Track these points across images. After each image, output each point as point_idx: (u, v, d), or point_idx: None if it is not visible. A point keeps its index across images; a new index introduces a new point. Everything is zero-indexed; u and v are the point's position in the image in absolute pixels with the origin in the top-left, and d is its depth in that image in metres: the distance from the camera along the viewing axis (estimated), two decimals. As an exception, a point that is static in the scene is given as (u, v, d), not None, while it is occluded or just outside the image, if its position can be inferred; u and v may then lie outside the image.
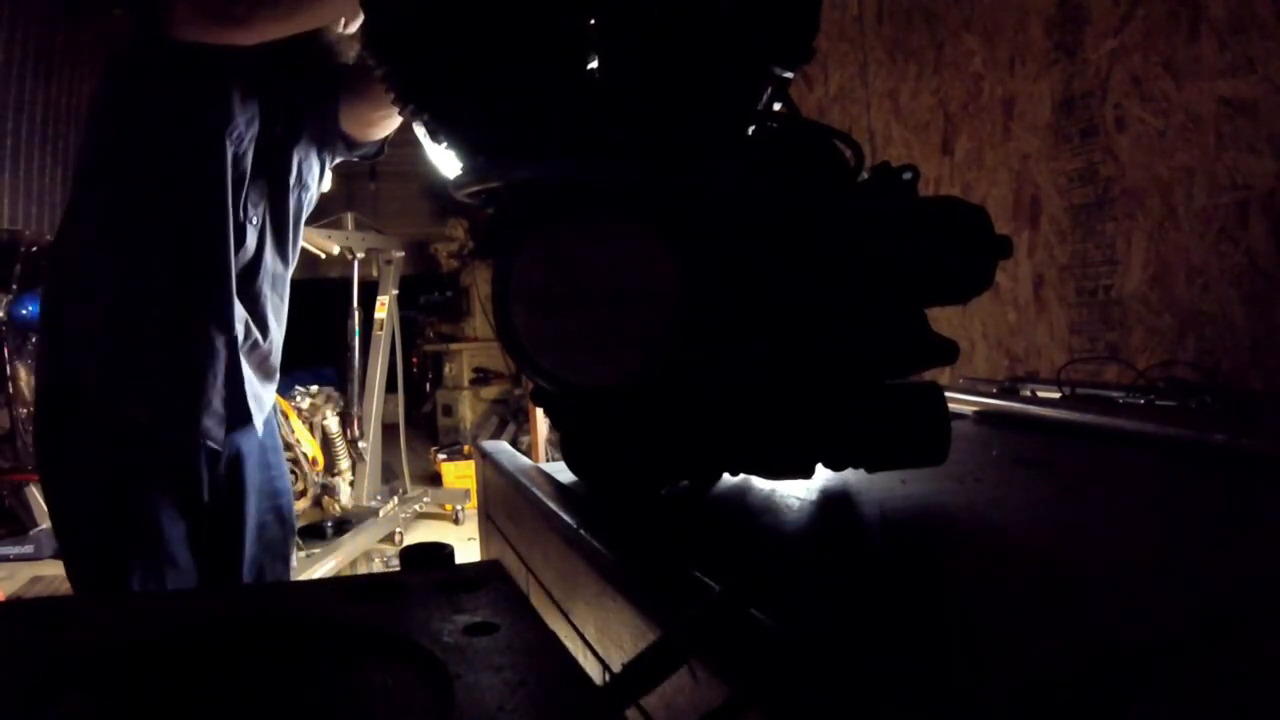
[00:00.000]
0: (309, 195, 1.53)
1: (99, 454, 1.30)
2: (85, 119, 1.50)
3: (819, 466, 0.85)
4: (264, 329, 1.43)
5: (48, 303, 1.42)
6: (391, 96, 0.89)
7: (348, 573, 3.87)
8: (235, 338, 1.36)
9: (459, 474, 5.92)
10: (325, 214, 5.08)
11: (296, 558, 3.83)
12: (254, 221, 1.40)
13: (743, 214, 0.80)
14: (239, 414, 1.38)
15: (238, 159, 1.34)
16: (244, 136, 1.35)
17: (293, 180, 1.46)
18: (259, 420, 1.42)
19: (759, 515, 0.83)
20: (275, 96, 1.40)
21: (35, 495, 4.37)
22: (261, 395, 1.44)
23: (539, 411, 3.82)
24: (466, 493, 5.30)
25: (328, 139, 1.51)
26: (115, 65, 1.43)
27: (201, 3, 1.27)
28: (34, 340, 4.38)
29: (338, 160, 1.58)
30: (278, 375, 1.52)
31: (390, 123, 1.51)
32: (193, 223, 1.32)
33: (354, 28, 1.39)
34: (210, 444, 1.35)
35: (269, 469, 1.50)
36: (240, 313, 1.37)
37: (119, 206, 1.32)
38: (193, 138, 1.32)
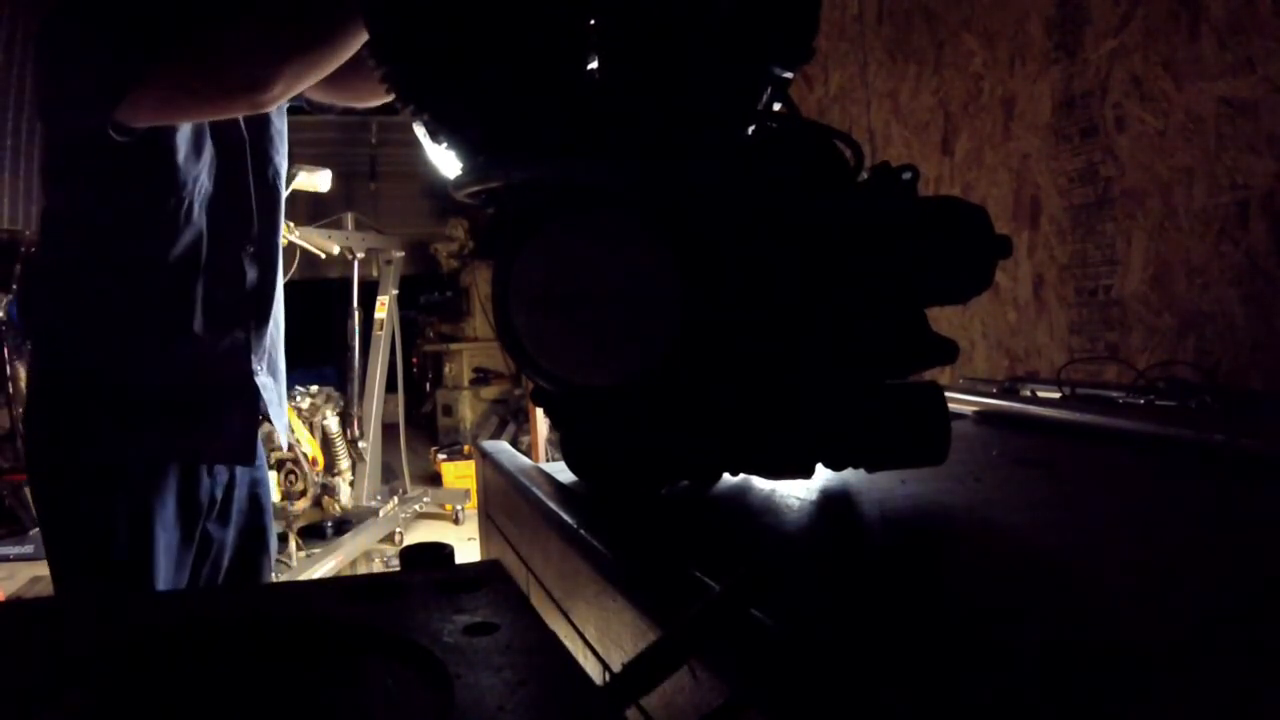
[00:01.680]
0: (281, 170, 1.43)
1: (89, 463, 1.29)
2: (40, 171, 1.33)
3: (819, 466, 0.85)
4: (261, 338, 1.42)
5: (33, 322, 1.40)
6: (390, 93, 0.89)
7: (348, 573, 3.87)
8: (250, 370, 1.36)
9: (459, 474, 5.93)
10: (325, 214, 5.08)
11: (296, 558, 3.85)
12: (249, 251, 1.35)
13: (742, 214, 0.80)
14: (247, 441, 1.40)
15: (198, 213, 1.28)
16: (205, 183, 1.28)
17: (270, 172, 1.39)
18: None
19: (759, 515, 0.83)
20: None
21: (35, 495, 4.37)
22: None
23: (539, 411, 3.82)
24: (466, 493, 5.31)
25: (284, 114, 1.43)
26: (53, 170, 1.30)
27: (202, 77, 1.11)
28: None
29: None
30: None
31: (359, 99, 1.39)
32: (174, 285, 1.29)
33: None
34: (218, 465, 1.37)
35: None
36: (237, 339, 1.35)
37: (92, 263, 1.27)
38: (158, 220, 1.24)
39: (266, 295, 1.39)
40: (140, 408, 1.30)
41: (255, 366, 1.37)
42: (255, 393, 1.38)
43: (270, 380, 1.42)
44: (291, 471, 4.31)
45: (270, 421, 1.44)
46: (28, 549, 4.25)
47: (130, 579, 1.28)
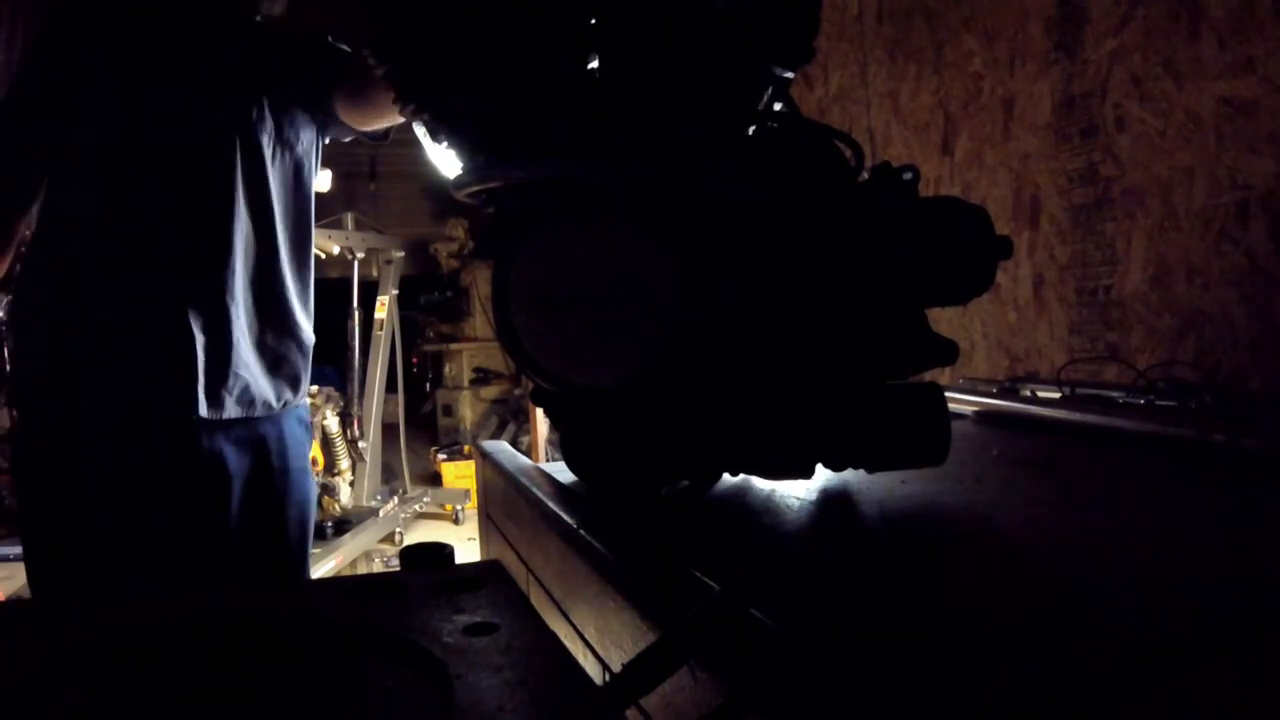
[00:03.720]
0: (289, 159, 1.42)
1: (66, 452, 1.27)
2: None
3: (819, 466, 0.85)
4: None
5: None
6: (392, 97, 0.89)
7: (348, 573, 3.87)
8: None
9: (459, 474, 5.93)
10: (325, 214, 5.09)
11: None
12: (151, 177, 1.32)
13: (742, 214, 0.80)
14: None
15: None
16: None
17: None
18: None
19: (759, 515, 0.83)
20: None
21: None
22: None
23: (539, 411, 3.82)
24: (466, 493, 5.31)
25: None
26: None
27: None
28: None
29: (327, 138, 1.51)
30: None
31: (385, 121, 1.41)
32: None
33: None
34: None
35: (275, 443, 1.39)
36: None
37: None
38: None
39: (206, 229, 1.23)
40: (71, 364, 1.23)
41: (191, 316, 1.21)
42: (189, 346, 1.21)
43: (203, 337, 1.23)
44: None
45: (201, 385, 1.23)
46: (28, 549, 4.24)
47: (83, 567, 1.24)
